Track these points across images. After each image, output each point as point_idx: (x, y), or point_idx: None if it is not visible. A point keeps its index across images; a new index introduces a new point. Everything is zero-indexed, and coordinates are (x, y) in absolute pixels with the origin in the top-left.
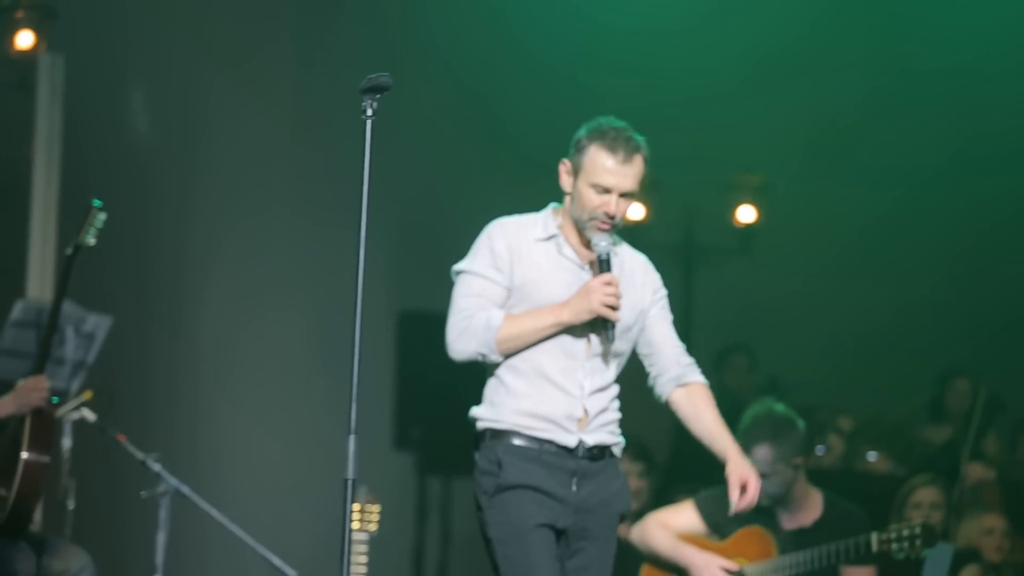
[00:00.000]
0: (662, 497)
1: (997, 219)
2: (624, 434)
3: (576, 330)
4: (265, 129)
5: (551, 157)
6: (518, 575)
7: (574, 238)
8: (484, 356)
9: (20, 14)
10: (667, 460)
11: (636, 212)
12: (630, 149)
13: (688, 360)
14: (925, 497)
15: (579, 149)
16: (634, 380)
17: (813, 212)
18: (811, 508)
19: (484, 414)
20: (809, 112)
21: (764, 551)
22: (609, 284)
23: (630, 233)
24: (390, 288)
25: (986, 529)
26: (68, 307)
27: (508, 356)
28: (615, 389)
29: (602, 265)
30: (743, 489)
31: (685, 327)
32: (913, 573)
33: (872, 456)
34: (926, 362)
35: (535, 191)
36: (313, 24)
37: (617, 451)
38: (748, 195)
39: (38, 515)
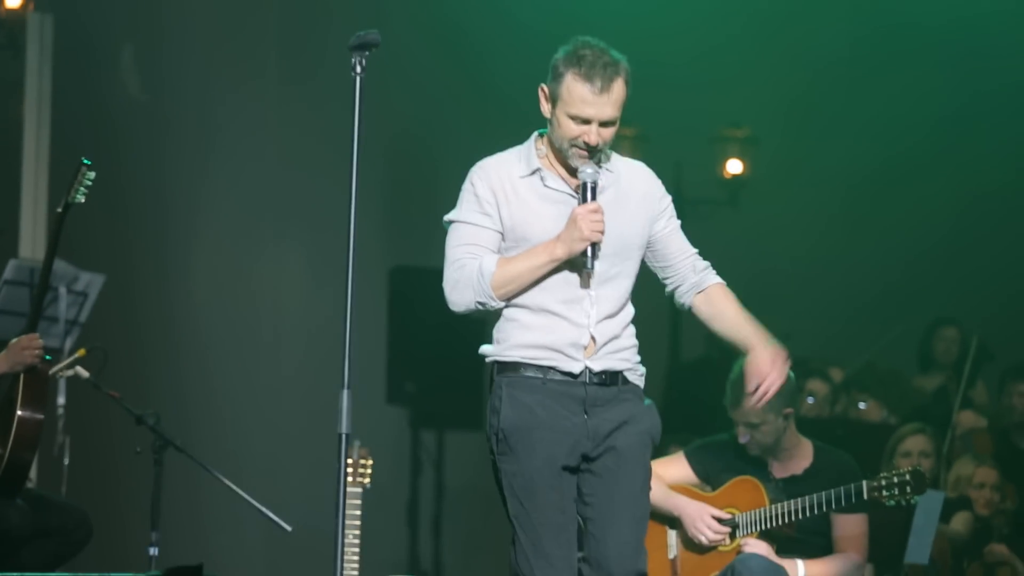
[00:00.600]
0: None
1: (985, 170)
2: None
3: (577, 259)
4: (254, 85)
5: (538, 113)
6: (525, 539)
7: (560, 167)
8: (483, 304)
9: None
10: (659, 411)
11: None
12: (608, 76)
13: (704, 265)
14: (914, 445)
15: (555, 76)
16: None
17: (801, 164)
18: (801, 457)
19: (491, 350)
20: (796, 65)
21: (755, 500)
22: (595, 212)
23: None
24: (382, 243)
25: (977, 483)
26: (60, 266)
27: (509, 299)
28: (628, 313)
29: (585, 191)
30: (759, 385)
31: None
32: (904, 520)
33: (863, 405)
34: (914, 311)
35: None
36: None
37: (633, 377)
38: (736, 148)
39: (34, 472)
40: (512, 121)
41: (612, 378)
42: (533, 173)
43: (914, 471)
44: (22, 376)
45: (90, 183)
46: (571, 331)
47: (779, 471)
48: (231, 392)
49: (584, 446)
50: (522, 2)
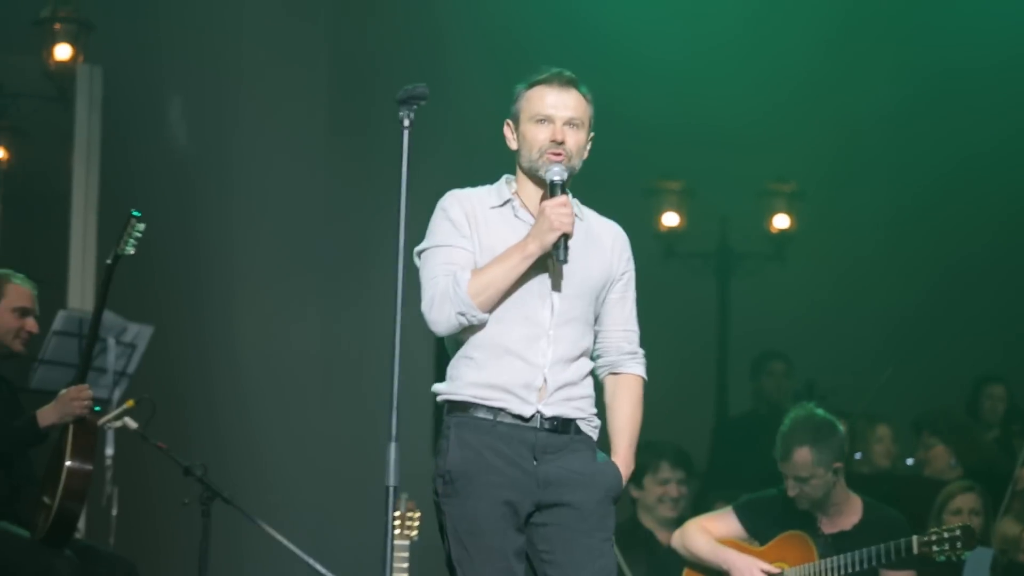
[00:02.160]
0: (701, 504)
1: None
2: (663, 442)
3: (537, 297)
4: (301, 138)
5: (586, 166)
6: None
7: (532, 202)
8: (464, 316)
9: (58, 27)
10: (706, 467)
11: (672, 219)
12: (564, 80)
13: (631, 349)
14: (964, 503)
15: (516, 100)
16: (674, 388)
17: (847, 218)
18: (851, 513)
19: (443, 387)
20: (842, 120)
21: (804, 555)
22: (563, 204)
23: (666, 241)
24: None
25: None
26: (109, 317)
27: (491, 311)
28: (586, 363)
29: (554, 190)
30: None
31: (722, 333)
32: None
33: (910, 461)
34: (961, 366)
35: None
36: (348, 32)
37: (587, 428)
38: (783, 202)
39: (82, 523)
40: None
41: (564, 426)
42: (504, 204)
43: (964, 527)
44: (71, 427)
45: (140, 234)
46: (525, 371)
47: (828, 527)
48: (278, 444)
49: (535, 494)
50: (573, 59)
